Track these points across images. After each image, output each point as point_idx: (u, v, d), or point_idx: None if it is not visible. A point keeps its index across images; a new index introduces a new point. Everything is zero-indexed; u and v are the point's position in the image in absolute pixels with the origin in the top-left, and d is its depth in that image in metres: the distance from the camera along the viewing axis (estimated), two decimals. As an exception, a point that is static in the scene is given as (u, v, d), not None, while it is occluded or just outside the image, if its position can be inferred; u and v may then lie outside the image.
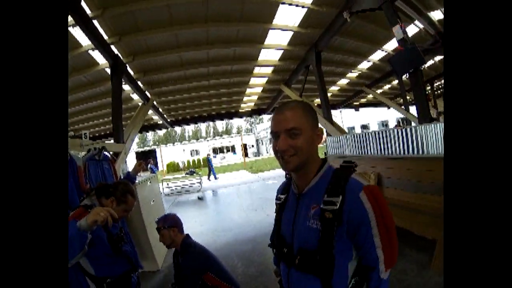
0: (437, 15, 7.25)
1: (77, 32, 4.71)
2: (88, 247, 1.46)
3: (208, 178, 15.79)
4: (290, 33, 6.48)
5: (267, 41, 6.69)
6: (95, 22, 4.57)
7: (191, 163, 30.32)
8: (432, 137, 3.34)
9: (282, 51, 7.33)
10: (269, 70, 8.71)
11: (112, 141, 5.57)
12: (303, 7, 5.44)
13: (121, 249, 1.84)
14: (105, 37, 4.99)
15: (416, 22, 6.97)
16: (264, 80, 9.61)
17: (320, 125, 1.05)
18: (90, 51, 5.46)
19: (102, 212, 1.32)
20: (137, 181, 3.56)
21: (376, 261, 0.91)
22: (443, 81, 16.92)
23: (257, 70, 8.56)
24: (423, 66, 4.68)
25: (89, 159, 3.45)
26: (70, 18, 4.04)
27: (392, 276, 2.71)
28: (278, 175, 12.46)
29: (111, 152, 3.99)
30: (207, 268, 2.14)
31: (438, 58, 11.50)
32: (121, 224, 2.01)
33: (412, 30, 7.18)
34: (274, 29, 6.08)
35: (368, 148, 4.66)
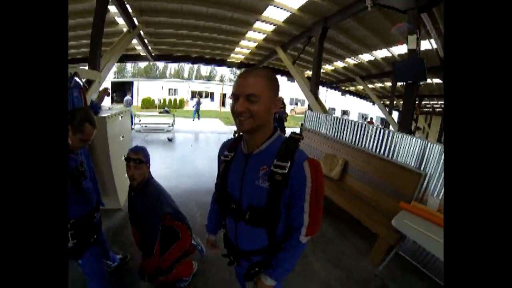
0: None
1: None
2: None
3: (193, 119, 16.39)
4: None
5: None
6: None
7: (167, 102, 29.46)
8: (405, 148, 3.49)
9: (290, 13, 6.89)
10: (270, 28, 8.27)
11: (86, 67, 5.12)
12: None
13: (81, 185, 1.77)
14: None
15: (432, 40, 6.90)
16: (262, 36, 9.17)
17: (280, 95, 1.11)
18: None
19: None
20: (107, 115, 3.40)
21: (301, 224, 1.07)
22: (431, 102, 17.29)
23: (257, 24, 8.08)
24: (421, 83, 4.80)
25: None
26: None
27: (332, 254, 3.09)
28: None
29: (83, 80, 3.68)
30: (169, 212, 2.11)
31: (436, 80, 11.60)
32: (84, 158, 1.93)
33: (425, 45, 7.17)
34: None
35: (344, 134, 4.80)
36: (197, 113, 17.02)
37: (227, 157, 1.22)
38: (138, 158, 1.95)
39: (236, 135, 1.26)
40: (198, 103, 17.33)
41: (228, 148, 1.24)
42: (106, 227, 3.13)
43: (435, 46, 7.13)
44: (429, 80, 12.09)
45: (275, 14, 7.26)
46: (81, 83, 3.40)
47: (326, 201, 3.86)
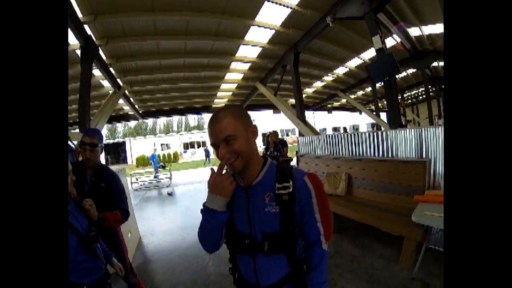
0: (414, 31, 7.64)
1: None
2: None
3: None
4: (272, 32, 6.48)
5: (248, 37, 6.63)
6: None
7: (161, 158, 29.48)
8: (402, 142, 3.50)
9: (261, 48, 7.31)
10: (246, 66, 8.67)
11: (77, 130, 5.14)
12: (288, 7, 5.46)
13: (94, 250, 1.65)
14: (79, 14, 4.59)
15: (394, 36, 7.36)
16: (240, 76, 9.57)
17: (254, 123, 1.13)
18: (59, 29, 4.97)
19: None
20: None
21: (318, 234, 1.09)
22: (414, 91, 18.02)
23: (233, 65, 8.47)
24: (396, 77, 5.00)
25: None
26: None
27: (361, 268, 2.89)
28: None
29: (75, 142, 3.64)
30: None
31: (410, 71, 12.14)
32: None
33: (389, 42, 7.62)
34: (256, 26, 6.02)
35: (340, 149, 4.81)
36: (207, 158, 21.81)
37: None
38: (92, 143, 2.10)
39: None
40: (207, 151, 21.30)
41: None
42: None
43: (398, 40, 7.52)
44: (403, 73, 12.50)
45: (248, 52, 7.67)
46: (73, 146, 3.36)
47: (340, 218, 3.79)
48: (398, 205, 3.27)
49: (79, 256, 1.51)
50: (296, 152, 6.36)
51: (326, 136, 5.23)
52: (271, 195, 1.06)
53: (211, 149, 32.64)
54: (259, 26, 6.04)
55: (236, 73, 9.14)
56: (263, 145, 20.17)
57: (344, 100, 16.10)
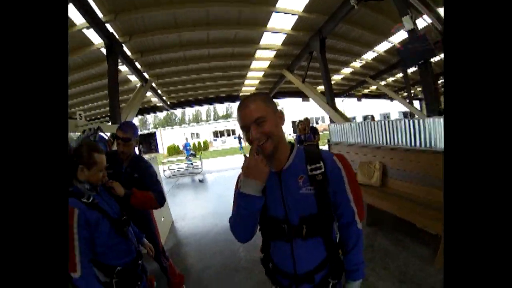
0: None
1: (69, 9, 4.44)
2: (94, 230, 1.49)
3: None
4: (295, 18, 6.22)
5: (270, 25, 6.42)
6: (89, -2, 4.31)
7: (191, 146, 30.34)
8: (440, 131, 3.22)
9: (285, 35, 7.07)
10: (271, 54, 8.48)
11: (110, 123, 5.43)
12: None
13: (126, 233, 1.73)
14: (100, 14, 4.74)
15: (425, 16, 6.80)
16: (266, 64, 9.39)
17: (280, 109, 1.15)
18: (85, 30, 5.17)
19: None
20: None
21: (353, 214, 1.10)
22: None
23: (259, 53, 8.31)
24: (432, 60, 4.60)
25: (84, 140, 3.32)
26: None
27: (394, 266, 2.64)
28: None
29: (108, 134, 3.85)
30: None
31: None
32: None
33: (420, 24, 7.06)
34: (278, 12, 5.79)
35: (373, 137, 4.51)
36: (240, 145, 22.76)
37: None
38: (127, 137, 2.15)
39: None
40: (240, 138, 22.14)
41: None
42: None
43: (429, 21, 6.95)
44: (437, 58, 11.49)
45: (272, 40, 7.44)
46: (106, 137, 3.57)
47: (374, 211, 3.64)
48: (437, 201, 2.98)
49: (111, 240, 1.59)
50: (328, 140, 6.17)
51: (359, 123, 4.95)
52: (304, 177, 1.06)
53: (228, 140, 33.19)
54: (280, 12, 5.82)
55: (262, 61, 9.03)
56: (293, 132, 19.72)
57: (373, 87, 15.33)
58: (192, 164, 12.79)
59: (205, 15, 5.61)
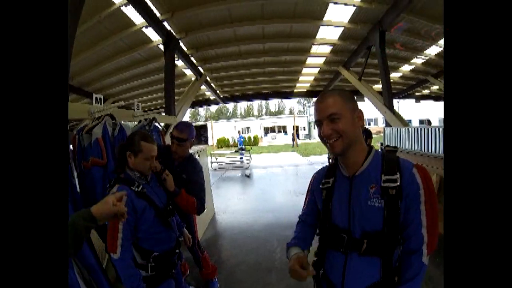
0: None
1: (129, 11, 4.85)
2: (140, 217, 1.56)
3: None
4: (352, 9, 5.72)
5: (327, 17, 6.04)
6: (147, -1, 4.63)
7: (245, 139, 31.02)
8: None
9: (342, 28, 6.59)
10: (327, 49, 8.03)
11: (163, 113, 5.77)
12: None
13: (170, 223, 1.79)
14: (157, 14, 5.04)
15: None
16: (322, 60, 8.94)
17: (360, 107, 1.06)
18: (144, 29, 5.61)
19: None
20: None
21: (421, 242, 0.94)
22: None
23: (314, 49, 7.96)
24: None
25: (140, 129, 3.53)
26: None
27: None
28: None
29: (162, 124, 4.07)
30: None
31: None
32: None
33: None
34: (335, 3, 5.43)
35: (432, 145, 4.01)
36: (294, 141, 23.21)
37: (327, 183, 1.13)
38: (181, 137, 2.10)
39: (331, 160, 1.23)
40: (293, 135, 22.98)
41: (326, 175, 1.17)
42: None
43: None
44: None
45: (328, 34, 7.03)
46: (159, 127, 3.79)
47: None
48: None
49: (154, 228, 1.65)
50: (381, 144, 5.74)
51: (416, 128, 4.47)
52: (376, 186, 0.98)
53: (279, 137, 32.69)
54: (338, 4, 5.45)
55: (317, 57, 8.61)
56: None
57: (435, 87, 13.61)
58: (242, 158, 13.03)
59: (259, 9, 5.56)
